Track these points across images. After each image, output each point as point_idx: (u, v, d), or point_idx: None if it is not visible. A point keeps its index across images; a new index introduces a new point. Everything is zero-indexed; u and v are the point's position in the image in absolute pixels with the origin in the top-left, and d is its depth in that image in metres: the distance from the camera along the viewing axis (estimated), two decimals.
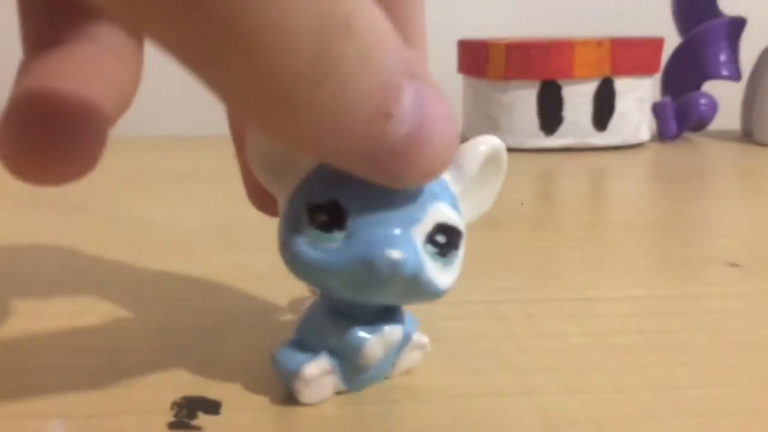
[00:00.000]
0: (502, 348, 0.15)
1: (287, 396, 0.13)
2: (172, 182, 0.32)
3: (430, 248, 0.11)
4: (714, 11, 0.42)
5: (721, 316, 0.17)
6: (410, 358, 0.14)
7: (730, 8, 0.42)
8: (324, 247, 0.11)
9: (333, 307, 0.12)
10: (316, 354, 0.13)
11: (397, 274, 0.11)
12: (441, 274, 0.12)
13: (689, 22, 0.42)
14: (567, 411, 0.13)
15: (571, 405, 0.13)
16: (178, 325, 0.16)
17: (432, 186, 0.12)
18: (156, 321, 0.16)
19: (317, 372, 0.12)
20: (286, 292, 0.17)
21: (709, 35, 0.41)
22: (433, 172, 0.11)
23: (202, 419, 0.12)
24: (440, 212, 0.12)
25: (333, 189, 0.11)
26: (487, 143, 0.13)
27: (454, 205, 0.12)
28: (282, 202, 0.12)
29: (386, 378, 0.14)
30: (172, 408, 0.13)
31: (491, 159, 0.13)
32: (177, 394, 0.13)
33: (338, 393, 0.13)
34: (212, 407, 0.13)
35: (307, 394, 0.13)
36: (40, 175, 0.10)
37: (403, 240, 0.11)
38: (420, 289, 0.11)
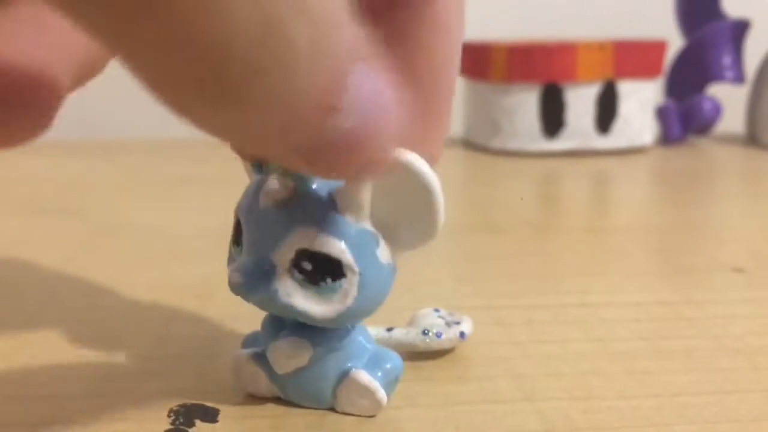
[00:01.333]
0: (503, 354, 0.15)
1: (285, 404, 0.13)
2: (170, 187, 0.32)
3: (298, 275, 0.11)
4: (717, 13, 0.42)
5: (725, 321, 0.17)
6: (352, 397, 0.12)
7: (734, 10, 0.42)
8: (233, 261, 0.12)
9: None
10: (259, 347, 0.13)
11: (240, 294, 0.11)
12: (313, 303, 0.11)
13: (692, 25, 0.42)
14: (569, 417, 0.13)
15: (574, 411, 0.13)
16: (175, 332, 0.16)
17: (306, 207, 0.11)
18: (153, 328, 0.16)
19: (241, 359, 0.13)
20: None
21: (713, 38, 0.41)
22: (369, 170, 0.10)
23: (200, 427, 0.12)
24: (302, 238, 0.11)
25: (239, 207, 0.12)
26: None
27: (336, 231, 0.11)
28: None
29: (332, 409, 0.13)
30: (169, 415, 0.13)
31: (406, 178, 0.11)
32: (175, 402, 0.13)
33: (277, 397, 0.13)
34: (210, 415, 0.13)
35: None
36: None
37: (254, 262, 0.11)
38: (287, 311, 0.12)
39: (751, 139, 0.42)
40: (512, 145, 0.38)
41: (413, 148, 0.11)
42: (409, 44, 0.10)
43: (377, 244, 0.12)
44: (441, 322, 0.15)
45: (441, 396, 0.13)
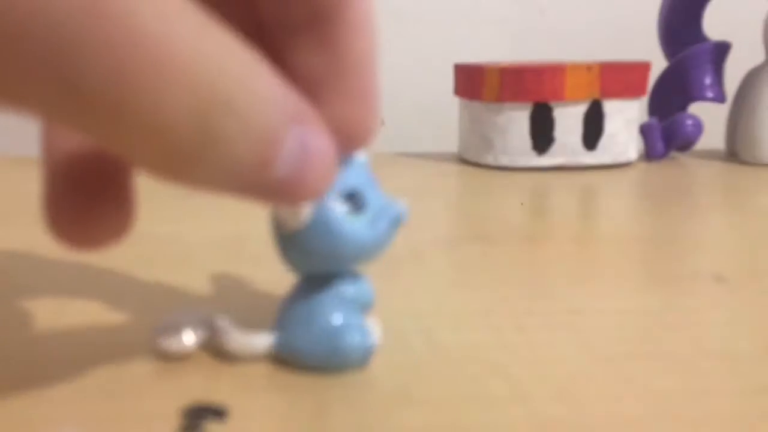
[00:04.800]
0: (495, 357, 0.15)
1: (294, 402, 0.13)
2: (179, 196, 0.32)
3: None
4: (699, 36, 0.43)
5: (706, 327, 0.17)
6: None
7: (715, 33, 0.43)
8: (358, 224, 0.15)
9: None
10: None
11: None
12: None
13: (675, 47, 0.43)
14: (558, 417, 0.13)
15: (562, 412, 0.13)
16: None
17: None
18: None
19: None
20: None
21: (695, 59, 0.42)
22: (314, 197, 0.12)
23: (210, 426, 0.13)
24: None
25: (356, 185, 0.15)
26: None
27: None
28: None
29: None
30: (179, 415, 0.13)
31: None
32: (184, 401, 0.13)
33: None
34: (219, 414, 0.13)
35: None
36: (85, 239, 0.12)
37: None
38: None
39: (731, 155, 0.43)
40: (504, 160, 0.39)
41: (353, 129, 0.13)
42: (334, 45, 0.12)
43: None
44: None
45: (437, 397, 0.14)
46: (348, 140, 0.13)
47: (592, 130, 0.39)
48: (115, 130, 0.09)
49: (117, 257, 0.22)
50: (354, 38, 0.13)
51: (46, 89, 0.09)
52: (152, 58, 0.09)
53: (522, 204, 0.29)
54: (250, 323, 0.17)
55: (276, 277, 0.17)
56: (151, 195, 0.33)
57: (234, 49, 0.10)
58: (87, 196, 0.12)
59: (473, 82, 0.40)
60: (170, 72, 0.09)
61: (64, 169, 0.12)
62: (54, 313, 0.18)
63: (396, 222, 0.15)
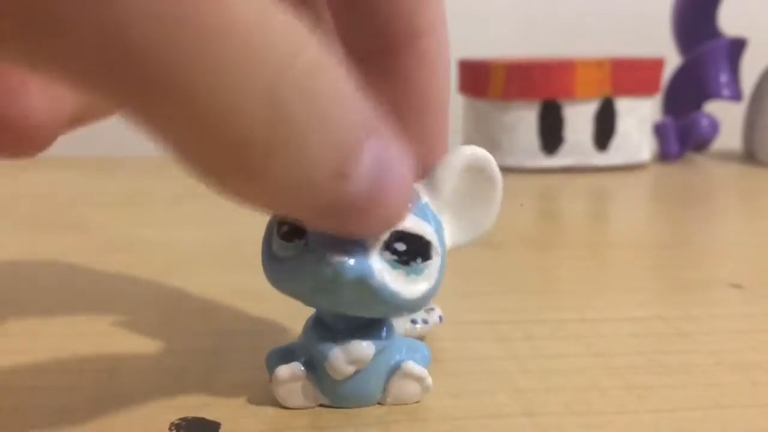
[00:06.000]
0: (502, 369, 0.15)
1: (287, 417, 0.13)
2: (171, 202, 0.32)
3: (389, 256, 0.12)
4: (714, 32, 0.42)
5: (723, 337, 0.17)
6: (404, 388, 0.13)
7: (731, 28, 0.42)
8: (283, 256, 0.12)
9: (318, 318, 0.13)
10: (298, 360, 0.13)
11: (340, 276, 0.11)
12: (403, 283, 0.12)
13: (690, 43, 0.43)
14: None
15: (573, 426, 0.13)
16: (177, 346, 0.16)
17: None
18: (155, 341, 0.16)
19: (288, 374, 0.13)
20: (286, 312, 0.17)
21: (710, 56, 0.41)
22: (389, 225, 0.11)
23: None
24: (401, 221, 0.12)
25: None
26: (463, 154, 0.13)
27: (425, 216, 0.12)
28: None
29: (380, 404, 0.13)
30: (170, 429, 0.13)
31: (476, 171, 0.13)
32: (176, 415, 0.13)
33: (322, 405, 0.13)
34: (211, 428, 0.13)
35: (280, 395, 0.13)
36: None
37: (349, 244, 0.11)
38: (375, 295, 0.11)
39: (749, 155, 0.43)
40: (511, 161, 0.38)
41: (422, 167, 0.12)
42: (404, 80, 0.12)
43: (444, 234, 0.13)
44: (421, 311, 0.16)
45: (439, 411, 0.13)
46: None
47: (604, 129, 0.38)
48: (172, 116, 0.08)
49: (105, 266, 0.22)
50: (426, 69, 0.12)
51: (82, 43, 0.07)
52: (223, 37, 0.08)
53: (521, 205, 0.29)
54: (245, 329, 0.17)
55: (268, 285, 0.17)
56: (136, 203, 0.33)
57: (310, 37, 0.09)
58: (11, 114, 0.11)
59: (478, 79, 0.39)
60: (242, 53, 0.08)
61: None
62: (41, 321, 0.18)
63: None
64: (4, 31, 0.07)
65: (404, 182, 0.11)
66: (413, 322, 0.16)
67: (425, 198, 0.13)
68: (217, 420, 0.13)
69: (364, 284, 0.11)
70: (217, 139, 0.08)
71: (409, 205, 0.12)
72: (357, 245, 0.11)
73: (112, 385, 0.14)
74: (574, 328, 0.17)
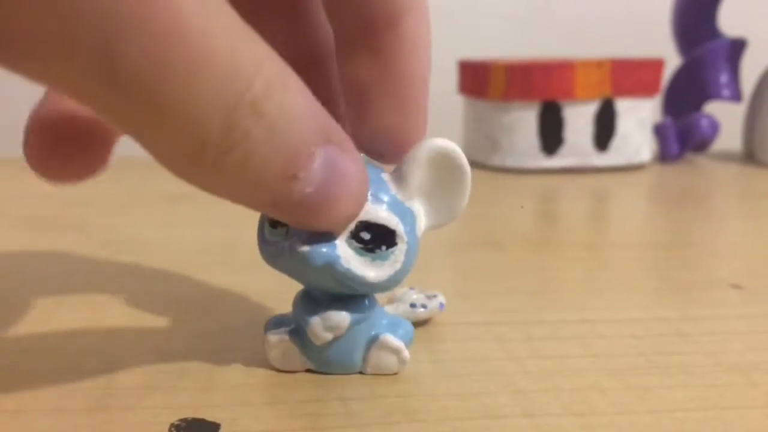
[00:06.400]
0: (502, 370, 0.15)
1: (287, 418, 0.13)
2: (171, 203, 0.32)
3: (355, 244, 0.13)
4: (714, 32, 0.42)
5: (723, 338, 0.17)
6: (382, 359, 0.14)
7: (731, 29, 0.42)
8: (272, 240, 0.14)
9: (306, 291, 0.15)
10: (288, 327, 0.14)
11: (308, 262, 0.13)
12: (368, 268, 0.13)
13: (690, 44, 0.43)
14: None
15: (572, 427, 0.13)
16: (177, 347, 0.16)
17: (375, 189, 0.13)
18: (155, 342, 0.16)
19: (276, 339, 0.14)
20: (286, 312, 0.17)
21: (710, 56, 0.41)
22: (341, 223, 0.12)
23: None
24: (366, 212, 0.13)
25: None
26: (427, 147, 0.14)
27: (390, 206, 0.13)
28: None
29: (361, 372, 0.15)
30: (170, 430, 0.13)
31: (442, 161, 0.14)
32: (176, 416, 0.13)
33: (309, 370, 0.15)
34: (211, 429, 0.13)
35: (271, 357, 0.15)
36: (59, 175, 0.13)
37: (318, 234, 0.13)
38: (345, 278, 0.13)
39: (749, 156, 0.43)
40: (511, 162, 0.38)
41: (402, 138, 0.14)
42: (386, 55, 0.13)
43: (416, 220, 0.14)
44: (421, 296, 0.17)
45: (439, 412, 0.13)
46: (393, 151, 0.14)
47: (604, 130, 0.38)
48: (144, 119, 0.10)
49: (105, 266, 0.22)
50: (407, 50, 0.13)
51: (83, 67, 0.09)
52: (189, 50, 0.09)
53: (522, 207, 0.29)
54: (245, 329, 0.17)
55: (269, 285, 0.17)
56: (134, 203, 0.33)
57: (270, 56, 0.10)
58: (69, 147, 0.13)
59: (478, 80, 0.39)
60: (205, 66, 0.09)
61: (56, 119, 0.13)
62: (41, 321, 0.18)
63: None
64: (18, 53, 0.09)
65: (357, 184, 0.12)
66: (413, 306, 0.17)
67: (393, 188, 0.14)
68: (217, 420, 0.13)
69: (331, 269, 0.13)
70: (178, 139, 0.10)
71: (366, 201, 0.13)
72: (327, 235, 0.13)
73: (111, 386, 0.14)
74: (574, 329, 0.17)
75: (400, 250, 0.13)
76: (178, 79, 0.09)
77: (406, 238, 0.13)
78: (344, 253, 0.13)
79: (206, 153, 0.10)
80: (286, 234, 0.13)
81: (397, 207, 0.13)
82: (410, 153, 0.14)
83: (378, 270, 0.13)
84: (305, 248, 0.13)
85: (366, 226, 0.13)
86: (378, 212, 0.13)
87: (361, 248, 0.13)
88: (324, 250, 0.13)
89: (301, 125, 0.11)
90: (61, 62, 0.09)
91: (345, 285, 0.13)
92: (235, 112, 0.10)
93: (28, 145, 0.13)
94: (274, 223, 0.13)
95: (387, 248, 0.13)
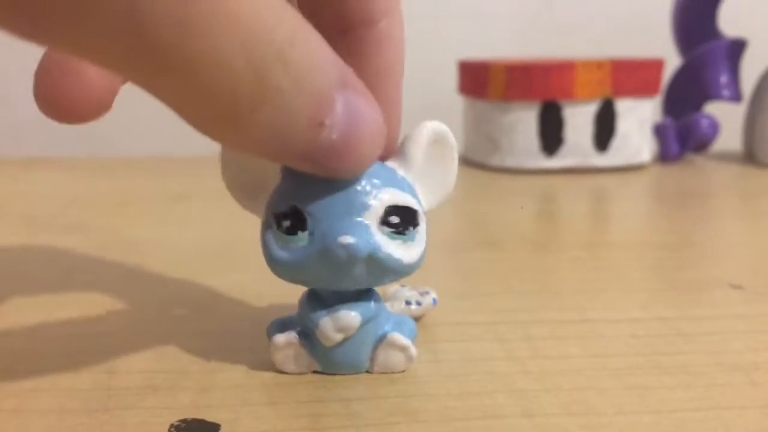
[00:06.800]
0: (502, 370, 0.15)
1: (287, 418, 0.13)
2: (170, 203, 0.32)
3: (386, 229, 0.13)
4: (714, 33, 0.42)
5: (723, 337, 0.17)
6: (390, 357, 0.14)
7: (731, 29, 0.42)
8: (292, 248, 0.13)
9: (312, 291, 0.14)
10: (294, 329, 0.14)
11: (353, 255, 0.13)
12: (402, 250, 0.13)
13: (690, 44, 0.43)
14: None
15: (572, 427, 0.13)
16: (176, 347, 0.16)
17: (378, 175, 0.13)
18: (154, 343, 0.16)
19: (283, 341, 0.14)
20: (286, 311, 0.17)
21: (710, 57, 0.41)
22: (364, 164, 0.13)
23: None
24: (388, 196, 0.13)
25: (292, 198, 0.13)
26: (427, 129, 0.14)
27: (406, 189, 0.14)
28: (261, 218, 0.14)
29: (368, 372, 0.15)
30: (170, 430, 0.13)
31: (435, 142, 0.14)
32: (176, 416, 0.13)
33: (315, 372, 0.15)
34: (211, 429, 0.13)
35: (277, 360, 0.15)
36: (66, 115, 0.13)
37: (353, 226, 0.13)
38: (383, 265, 0.13)
39: (749, 156, 0.43)
40: (511, 162, 0.38)
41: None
42: (363, 53, 0.14)
43: (421, 200, 0.14)
44: (414, 293, 0.17)
45: (441, 411, 0.13)
46: None
47: (604, 130, 0.38)
48: (174, 79, 0.10)
49: (103, 266, 0.22)
50: (382, 48, 0.14)
51: (110, 30, 0.09)
52: (213, 5, 0.09)
53: (522, 208, 0.29)
54: (245, 330, 0.17)
55: (269, 285, 0.17)
56: (134, 203, 0.33)
57: (288, 9, 0.10)
58: (75, 86, 0.13)
59: (478, 80, 0.39)
60: (229, 20, 0.09)
61: (63, 66, 0.13)
62: (41, 321, 0.18)
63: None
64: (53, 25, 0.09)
65: (375, 125, 0.12)
66: (407, 303, 0.17)
67: (400, 171, 0.14)
68: (217, 421, 0.13)
69: (374, 258, 0.13)
70: (210, 98, 0.10)
71: (374, 149, 0.13)
72: (357, 226, 0.13)
73: (110, 386, 0.14)
74: (574, 329, 0.17)
75: (422, 229, 0.14)
76: (205, 35, 0.09)
77: (425, 217, 0.14)
78: (380, 239, 0.13)
79: (239, 108, 0.10)
80: (311, 237, 0.13)
81: (410, 188, 0.14)
82: (411, 138, 0.14)
83: (410, 251, 0.13)
84: (346, 242, 0.13)
85: (394, 209, 0.13)
86: (401, 195, 0.13)
87: (392, 232, 0.13)
88: (363, 241, 0.13)
89: (324, 72, 0.11)
90: (87, 28, 0.09)
91: (383, 274, 0.13)
92: (263, 62, 0.10)
93: (36, 84, 0.13)
94: (292, 229, 0.13)
95: (414, 228, 0.14)
